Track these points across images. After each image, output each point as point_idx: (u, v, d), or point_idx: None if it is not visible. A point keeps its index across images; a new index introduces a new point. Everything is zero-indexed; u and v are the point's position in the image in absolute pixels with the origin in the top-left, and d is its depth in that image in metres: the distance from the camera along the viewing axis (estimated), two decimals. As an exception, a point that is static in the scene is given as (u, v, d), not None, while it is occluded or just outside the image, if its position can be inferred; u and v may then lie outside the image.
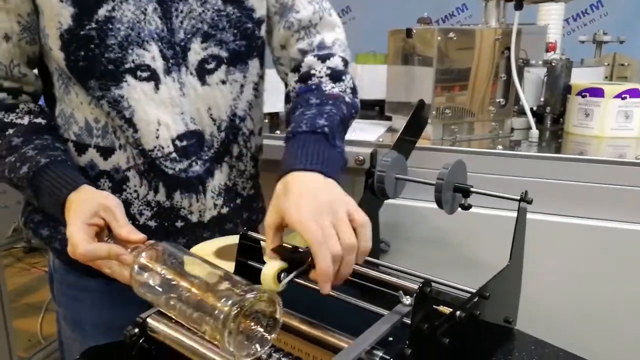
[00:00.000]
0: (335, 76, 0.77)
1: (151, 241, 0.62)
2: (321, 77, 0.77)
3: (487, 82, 1.05)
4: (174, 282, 0.53)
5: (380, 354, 0.46)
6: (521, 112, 1.18)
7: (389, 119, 1.22)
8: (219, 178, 0.80)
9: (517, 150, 0.99)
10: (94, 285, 0.81)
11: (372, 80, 1.33)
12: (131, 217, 0.77)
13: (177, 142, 0.75)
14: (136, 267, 0.56)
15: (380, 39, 1.27)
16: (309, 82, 0.78)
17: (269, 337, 0.49)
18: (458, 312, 0.55)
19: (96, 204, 0.65)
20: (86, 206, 0.65)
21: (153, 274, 0.55)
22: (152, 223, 0.78)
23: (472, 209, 0.77)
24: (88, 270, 0.80)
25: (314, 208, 0.54)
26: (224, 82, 0.77)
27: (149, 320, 0.56)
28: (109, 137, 0.74)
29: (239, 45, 0.77)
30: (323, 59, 0.78)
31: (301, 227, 0.53)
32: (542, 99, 1.19)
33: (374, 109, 1.38)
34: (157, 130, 0.73)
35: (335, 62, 0.79)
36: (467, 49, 1.02)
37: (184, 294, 0.51)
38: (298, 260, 0.54)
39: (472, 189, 0.72)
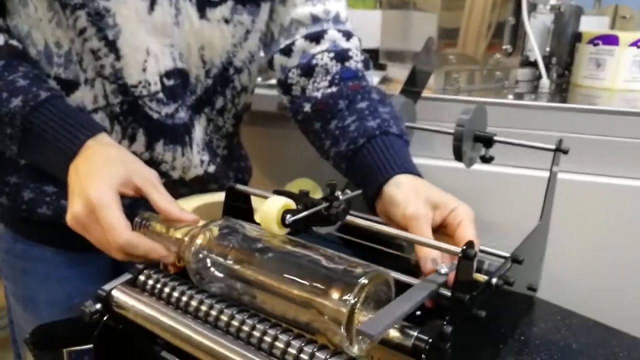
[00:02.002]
0: (366, 65, 0.70)
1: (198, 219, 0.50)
2: (357, 62, 0.68)
3: (493, 27, 0.95)
4: (248, 272, 0.41)
5: (416, 334, 0.36)
6: (524, 63, 1.09)
7: (382, 68, 1.11)
8: (199, 130, 0.68)
9: (539, 100, 0.89)
10: (49, 255, 0.68)
11: (361, 27, 1.18)
12: None
13: (165, 80, 0.61)
14: (193, 257, 0.44)
15: (372, -20, 1.14)
16: (347, 64, 0.67)
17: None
18: (495, 280, 0.46)
19: (129, 169, 0.51)
20: (116, 168, 0.50)
21: (217, 263, 0.43)
22: None
23: (486, 167, 0.68)
24: (41, 237, 0.67)
25: None
26: (227, 21, 0.63)
27: (114, 293, 0.44)
28: (72, 67, 0.60)
29: None
30: (347, 36, 0.69)
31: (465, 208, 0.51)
32: (547, 49, 1.09)
33: (363, 59, 1.25)
34: (145, 61, 0.59)
35: (358, 45, 0.71)
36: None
37: (268, 285, 0.39)
38: (310, 202, 0.42)
39: (496, 138, 0.62)
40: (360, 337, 0.34)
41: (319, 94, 0.65)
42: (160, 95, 0.61)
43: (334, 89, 0.64)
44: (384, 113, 0.61)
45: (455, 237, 0.49)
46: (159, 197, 0.50)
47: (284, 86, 0.69)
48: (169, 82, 0.61)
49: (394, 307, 0.35)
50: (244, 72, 0.69)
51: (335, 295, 0.35)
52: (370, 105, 0.61)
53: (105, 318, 0.45)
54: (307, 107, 0.66)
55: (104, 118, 0.61)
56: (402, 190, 0.52)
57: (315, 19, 0.67)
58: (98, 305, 0.44)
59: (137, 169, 0.52)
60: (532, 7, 1.06)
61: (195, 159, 0.67)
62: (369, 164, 0.56)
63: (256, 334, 0.37)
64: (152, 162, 0.64)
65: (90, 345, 0.47)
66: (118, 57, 0.58)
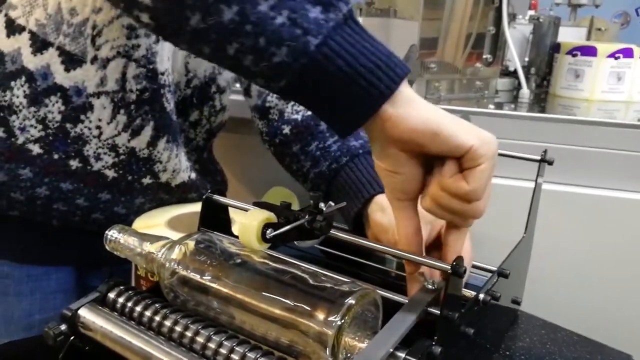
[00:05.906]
0: None
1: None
2: None
3: (473, 36, 0.94)
4: (227, 289, 0.38)
5: (404, 355, 0.34)
6: (504, 73, 1.09)
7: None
8: None
9: (519, 110, 0.88)
10: (5, 269, 0.63)
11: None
12: (82, 159, 0.57)
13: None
14: (167, 273, 0.42)
15: (352, -13, 1.13)
16: None
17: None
18: (482, 295, 0.45)
19: None
20: None
21: (193, 280, 0.40)
22: (110, 173, 0.59)
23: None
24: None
25: None
26: None
27: (80, 312, 0.41)
28: (81, 41, 0.53)
29: None
30: None
31: None
32: (526, 59, 1.10)
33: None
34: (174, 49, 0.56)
35: None
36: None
37: (248, 303, 0.37)
38: (292, 216, 0.40)
39: (480, 148, 0.61)
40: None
41: (299, 116, 0.64)
42: (173, 87, 0.58)
43: None
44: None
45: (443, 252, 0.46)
46: None
47: (261, 111, 0.67)
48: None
49: (376, 346, 0.33)
50: (225, 92, 0.67)
51: (320, 316, 0.33)
52: None
53: (71, 339, 0.42)
54: (286, 130, 0.64)
55: (107, 105, 0.55)
56: (387, 215, 0.49)
57: None
58: (63, 326, 0.41)
59: None
60: (512, 18, 1.07)
61: (184, 163, 0.64)
62: (352, 182, 0.54)
63: (235, 357, 0.35)
64: (150, 160, 0.60)
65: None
66: (158, 39, 0.53)
